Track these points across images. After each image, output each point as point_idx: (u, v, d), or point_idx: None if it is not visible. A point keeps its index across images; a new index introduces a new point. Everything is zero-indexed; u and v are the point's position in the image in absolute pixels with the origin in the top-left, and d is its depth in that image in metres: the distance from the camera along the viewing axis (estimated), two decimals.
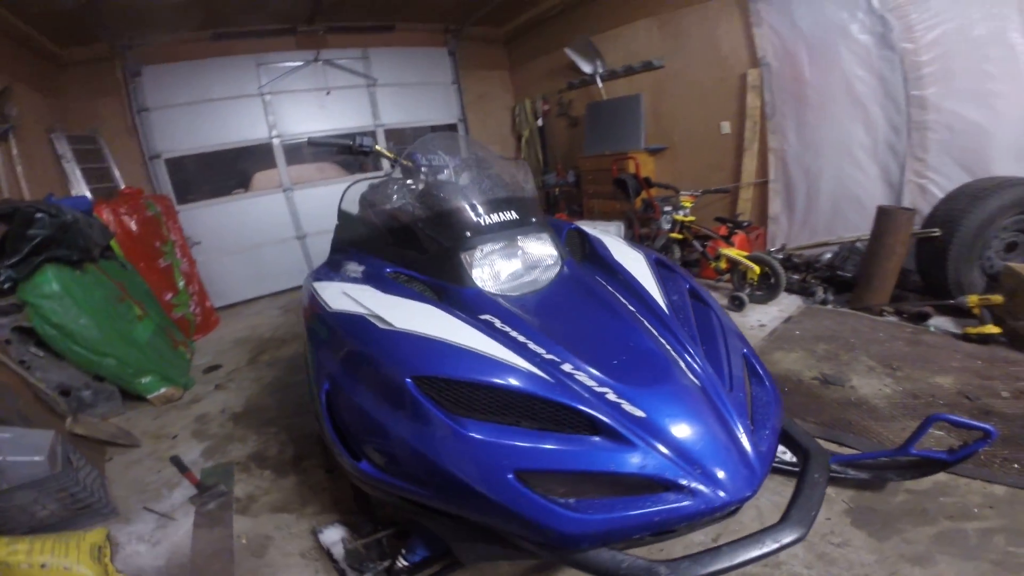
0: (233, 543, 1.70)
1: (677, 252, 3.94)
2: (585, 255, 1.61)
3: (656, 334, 1.16)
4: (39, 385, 2.61)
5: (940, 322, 2.95)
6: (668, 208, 4.07)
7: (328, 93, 5.20)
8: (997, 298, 2.71)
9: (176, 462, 2.00)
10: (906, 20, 3.42)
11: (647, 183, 4.39)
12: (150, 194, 4.37)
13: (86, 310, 2.89)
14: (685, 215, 3.86)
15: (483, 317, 1.19)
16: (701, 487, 0.86)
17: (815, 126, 3.99)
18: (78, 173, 3.92)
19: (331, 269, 1.63)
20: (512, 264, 1.41)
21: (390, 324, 1.12)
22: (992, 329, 2.63)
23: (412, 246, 1.45)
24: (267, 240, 5.22)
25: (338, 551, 1.48)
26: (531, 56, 6.18)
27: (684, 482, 0.86)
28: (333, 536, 1.56)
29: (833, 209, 4.04)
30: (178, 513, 1.91)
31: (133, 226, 3.81)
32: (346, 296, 1.30)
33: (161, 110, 4.61)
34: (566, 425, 0.93)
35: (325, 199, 5.35)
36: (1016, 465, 1.70)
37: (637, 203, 4.47)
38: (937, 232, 3.11)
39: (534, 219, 1.49)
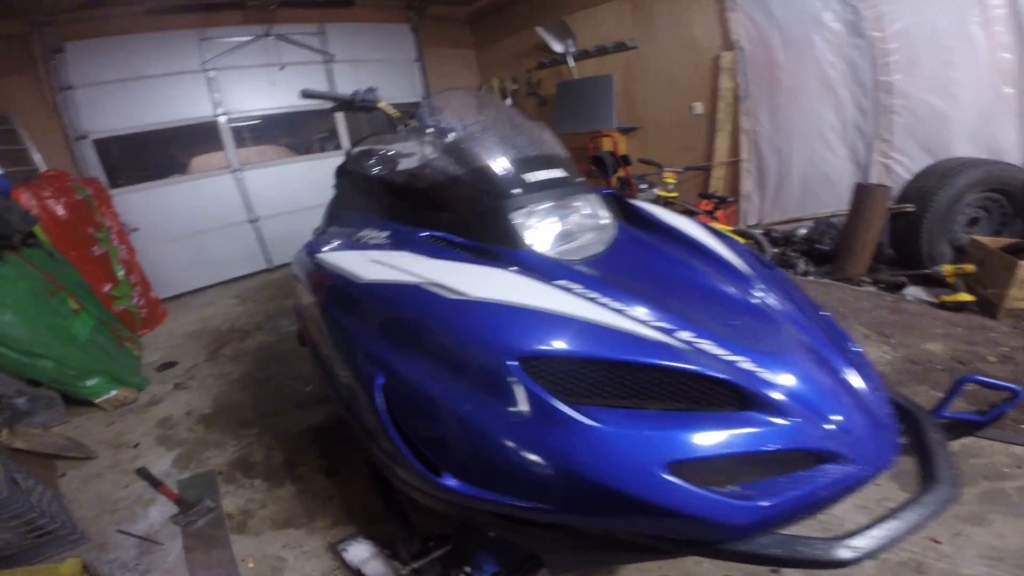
0: (238, 568, 1.45)
1: None
2: (628, 219, 1.47)
3: (755, 295, 1.04)
4: None
5: (914, 291, 3.10)
6: (644, 186, 4.05)
7: (282, 68, 4.76)
8: (970, 267, 2.86)
9: (145, 475, 1.71)
10: (876, 10, 3.57)
11: (624, 161, 4.36)
12: (77, 177, 3.82)
13: (10, 305, 2.50)
14: (669, 191, 3.84)
15: (557, 283, 1.01)
16: (856, 455, 0.76)
17: (787, 109, 4.09)
18: None
19: (338, 239, 1.38)
20: (565, 225, 1.24)
21: (463, 293, 0.91)
22: (966, 297, 2.77)
23: (445, 207, 1.24)
24: (215, 225, 4.75)
25: (375, 571, 1.27)
26: (498, 36, 5.99)
27: (843, 451, 0.76)
28: (361, 553, 1.35)
29: (803, 187, 4.18)
30: (162, 535, 1.62)
31: (60, 211, 3.30)
32: (380, 264, 1.08)
33: (88, 88, 4.05)
34: (707, 403, 0.79)
35: (280, 180, 4.99)
36: None
37: (614, 181, 4.42)
38: (911, 207, 3.30)
39: (579, 178, 1.34)
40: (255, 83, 4.74)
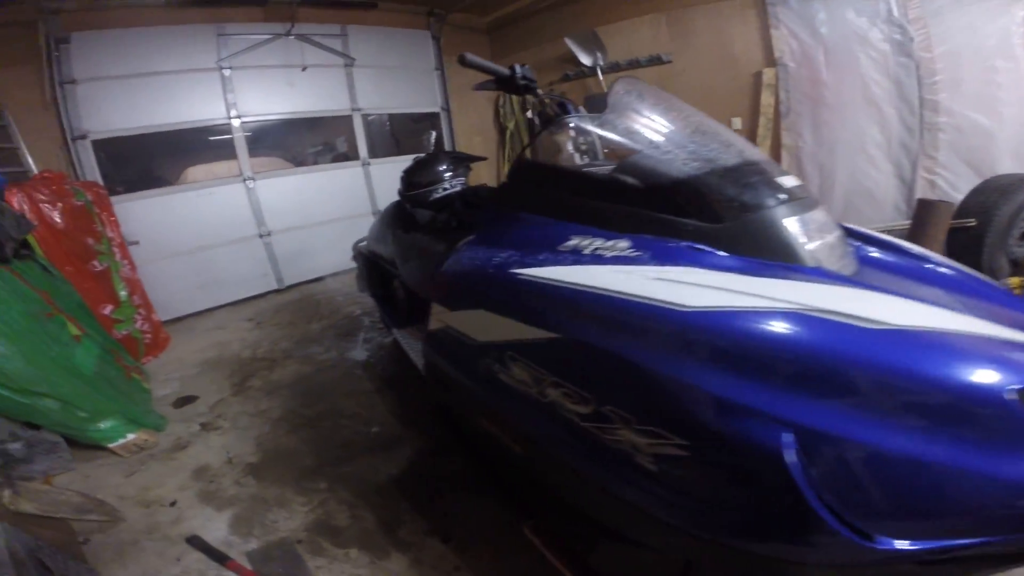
0: None
1: None
2: None
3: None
4: None
5: None
6: None
7: (304, 69, 4.42)
8: None
9: (200, 545, 1.36)
10: (925, 31, 3.65)
11: None
12: (75, 181, 3.35)
13: (2, 332, 2.05)
14: None
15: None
16: None
17: (831, 125, 4.10)
18: None
19: (533, 250, 1.06)
20: (831, 237, 1.01)
21: (883, 322, 0.69)
22: None
23: (682, 212, 0.98)
24: (223, 239, 4.27)
25: None
26: (517, 48, 5.86)
27: None
28: None
29: (846, 202, 4.17)
30: None
31: (57, 218, 2.85)
32: (694, 287, 0.80)
33: (91, 82, 3.61)
34: None
35: (294, 191, 4.60)
36: None
37: None
38: (973, 222, 3.26)
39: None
40: (272, 84, 4.39)
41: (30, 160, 3.39)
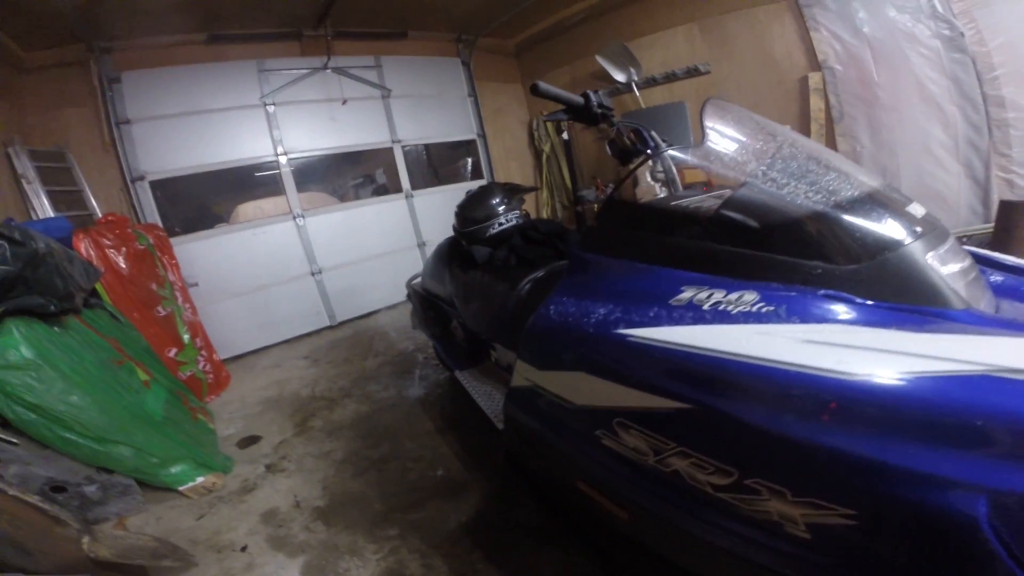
0: None
1: None
2: None
3: None
4: (25, 498, 1.77)
5: None
6: None
7: (344, 103, 4.52)
8: None
9: None
10: (975, 25, 3.47)
11: None
12: (136, 224, 3.48)
13: (76, 382, 2.12)
14: None
15: None
16: None
17: (889, 126, 3.91)
18: (43, 197, 3.03)
19: (635, 304, 0.97)
20: (971, 272, 0.91)
21: None
22: None
23: (805, 254, 0.88)
24: (277, 278, 4.34)
25: None
26: (546, 68, 5.82)
27: None
28: None
29: None
30: None
31: (122, 263, 2.95)
32: (856, 349, 0.72)
33: (145, 122, 3.74)
34: None
35: (342, 227, 4.65)
36: None
37: None
38: None
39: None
40: (315, 119, 4.48)
41: (94, 203, 3.52)
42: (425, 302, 2.55)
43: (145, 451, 2.16)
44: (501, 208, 2.12)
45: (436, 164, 5.93)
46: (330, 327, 4.69)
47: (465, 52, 5.54)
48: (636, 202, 1.28)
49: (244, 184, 4.54)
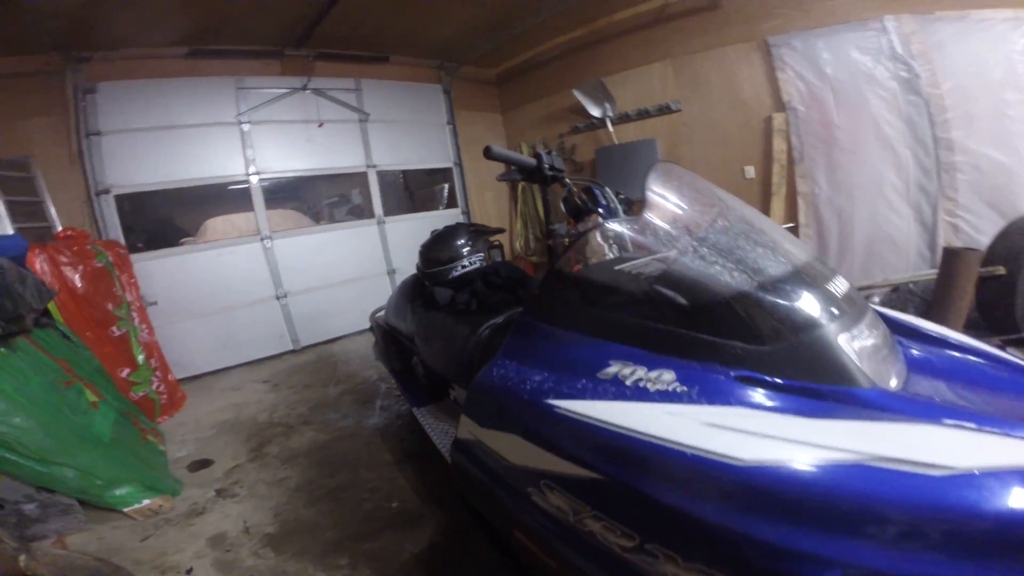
0: None
1: None
2: None
3: None
4: None
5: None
6: None
7: (321, 125, 4.54)
8: None
9: None
10: (930, 67, 3.58)
11: None
12: (97, 239, 3.40)
13: (20, 403, 2.11)
14: None
15: (952, 424, 0.75)
16: None
17: (846, 169, 4.02)
18: (1, 207, 2.94)
19: (569, 375, 1.00)
20: (884, 348, 0.96)
21: (946, 467, 0.65)
22: None
23: (735, 334, 0.91)
24: (240, 301, 4.26)
25: None
26: (525, 100, 5.98)
27: None
28: None
29: (867, 251, 4.04)
30: None
31: (78, 282, 2.89)
32: (743, 435, 0.76)
33: (116, 135, 3.69)
34: None
35: (311, 251, 4.61)
36: None
37: None
38: (1002, 270, 3.15)
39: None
40: (290, 139, 4.48)
41: (54, 215, 3.43)
42: (388, 336, 2.53)
43: (90, 472, 2.12)
44: (465, 250, 2.13)
45: (413, 189, 5.95)
46: (293, 351, 4.61)
47: (446, 79, 5.64)
48: (575, 274, 1.29)
49: (213, 201, 4.49)
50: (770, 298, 0.94)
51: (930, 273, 3.37)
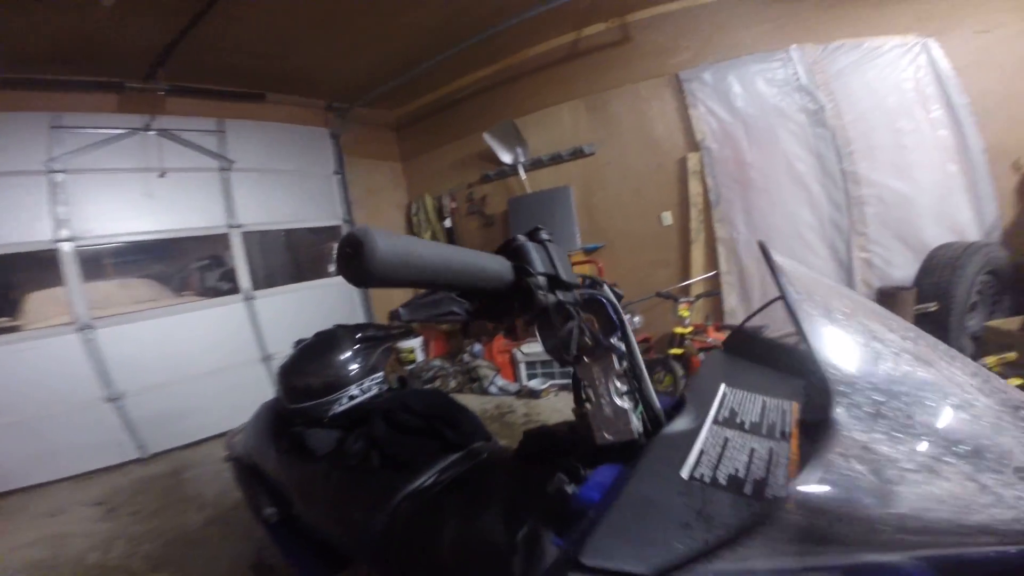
0: None
1: (680, 371, 3.10)
2: None
3: None
4: None
5: None
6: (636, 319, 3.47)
7: (162, 175, 3.58)
8: (1011, 356, 2.70)
9: None
10: (832, 97, 3.60)
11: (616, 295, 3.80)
12: None
13: None
14: (685, 326, 3.24)
15: None
16: None
17: (762, 209, 3.93)
18: None
19: None
20: None
21: None
22: (1017, 381, 2.55)
23: None
24: (52, 407, 3.18)
25: None
26: (429, 146, 5.46)
27: None
28: None
29: None
30: None
31: None
32: None
33: None
34: None
35: (152, 338, 3.60)
36: None
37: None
38: (934, 306, 3.14)
39: None
40: (124, 193, 3.50)
41: None
42: (252, 474, 1.60)
43: None
44: (353, 370, 1.42)
45: (295, 252, 4.94)
46: (139, 460, 3.49)
47: (335, 122, 4.93)
48: None
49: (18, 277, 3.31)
50: None
51: None
